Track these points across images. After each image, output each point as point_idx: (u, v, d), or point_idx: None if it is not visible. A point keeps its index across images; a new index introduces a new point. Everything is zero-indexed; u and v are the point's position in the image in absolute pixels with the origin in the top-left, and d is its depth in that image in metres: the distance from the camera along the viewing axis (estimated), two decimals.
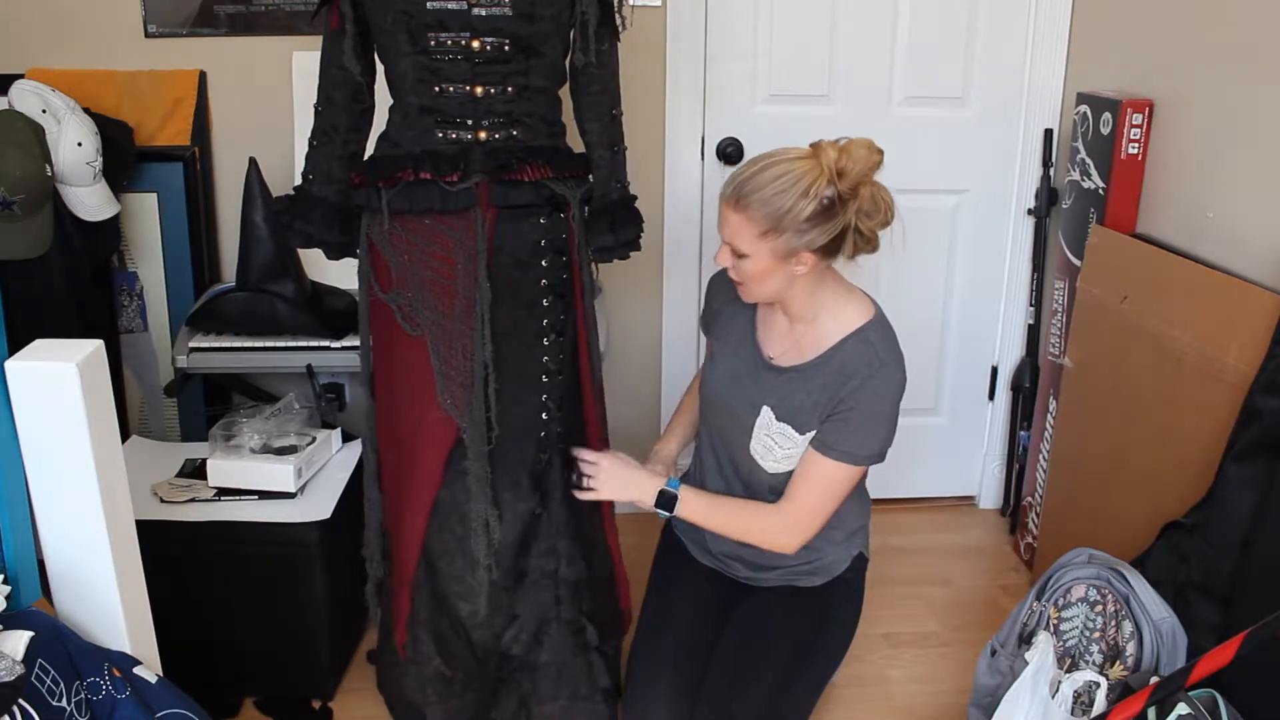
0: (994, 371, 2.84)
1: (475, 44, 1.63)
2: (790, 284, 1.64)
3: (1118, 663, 1.69)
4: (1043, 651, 1.66)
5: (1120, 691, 1.62)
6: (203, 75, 2.50)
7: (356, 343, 2.08)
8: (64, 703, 1.30)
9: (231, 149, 2.54)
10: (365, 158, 1.79)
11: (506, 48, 1.64)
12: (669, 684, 1.72)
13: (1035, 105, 2.60)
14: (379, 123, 1.78)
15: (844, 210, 1.56)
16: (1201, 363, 1.87)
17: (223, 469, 2.03)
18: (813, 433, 1.69)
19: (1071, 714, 1.65)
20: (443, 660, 1.80)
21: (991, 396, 2.86)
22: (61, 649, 1.34)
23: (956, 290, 2.77)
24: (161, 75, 2.48)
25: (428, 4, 1.60)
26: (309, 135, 1.77)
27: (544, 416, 1.77)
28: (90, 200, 2.24)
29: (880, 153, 1.57)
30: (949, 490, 2.96)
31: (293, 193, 1.81)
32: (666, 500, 1.72)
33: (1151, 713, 1.49)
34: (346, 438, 2.26)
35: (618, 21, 1.76)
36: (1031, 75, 2.59)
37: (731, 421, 1.78)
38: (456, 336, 1.71)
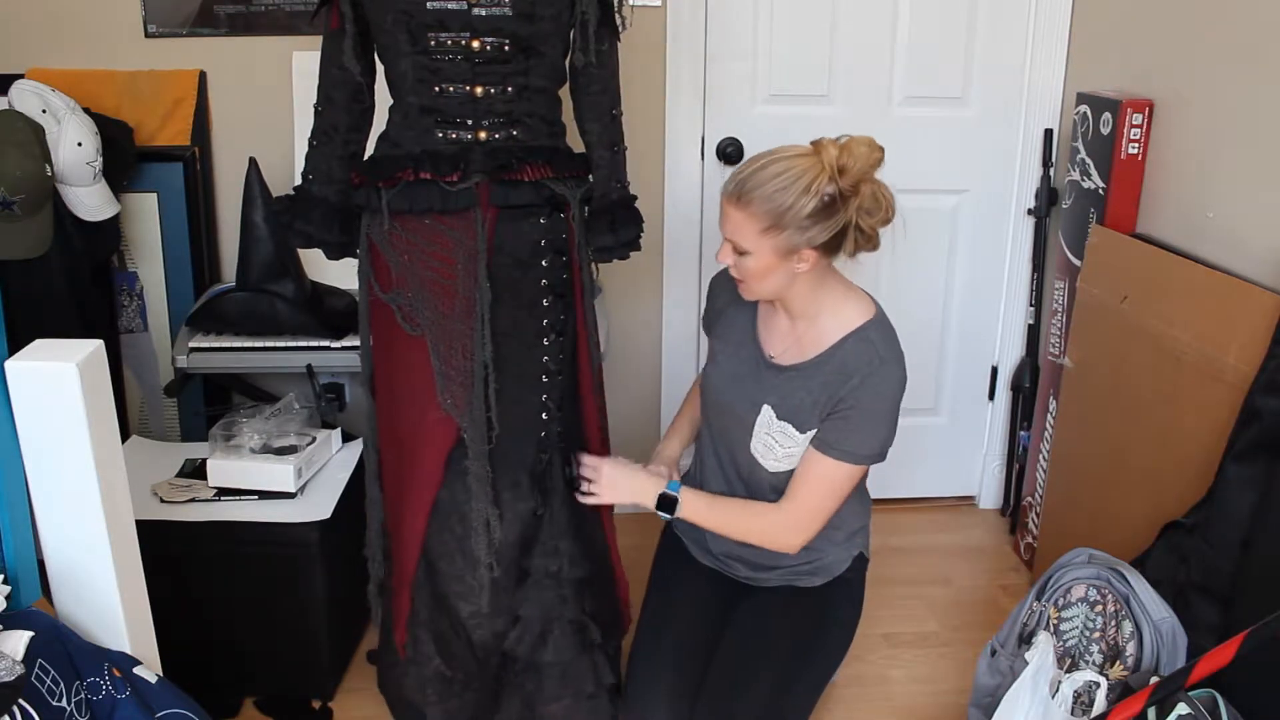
0: (994, 371, 2.84)
1: (475, 44, 1.63)
2: (791, 282, 1.64)
3: (1118, 663, 1.69)
4: (1043, 651, 1.66)
5: (1120, 691, 1.62)
6: (203, 75, 2.50)
7: (356, 343, 2.09)
8: (64, 703, 1.30)
9: (231, 149, 2.54)
10: (365, 158, 1.79)
11: (506, 48, 1.64)
12: (669, 684, 1.72)
13: (1035, 105, 2.60)
14: (379, 123, 1.78)
15: (845, 207, 1.57)
16: (1201, 363, 1.87)
17: (223, 469, 2.03)
18: (813, 431, 1.69)
19: (1071, 714, 1.65)
20: (443, 660, 1.80)
21: (991, 396, 2.86)
22: (61, 649, 1.34)
23: (956, 290, 2.77)
24: (161, 75, 2.48)
25: (428, 4, 1.60)
26: (309, 135, 1.77)
27: (544, 416, 1.77)
28: (90, 200, 2.24)
29: (881, 150, 1.58)
30: (949, 490, 2.96)
31: (293, 193, 1.81)
32: (668, 503, 1.73)
33: (1151, 713, 1.49)
34: (346, 438, 2.26)
35: (618, 21, 1.76)
36: (1031, 75, 2.59)
37: (732, 420, 1.78)
38: (456, 336, 1.71)
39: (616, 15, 1.75)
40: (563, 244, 1.77)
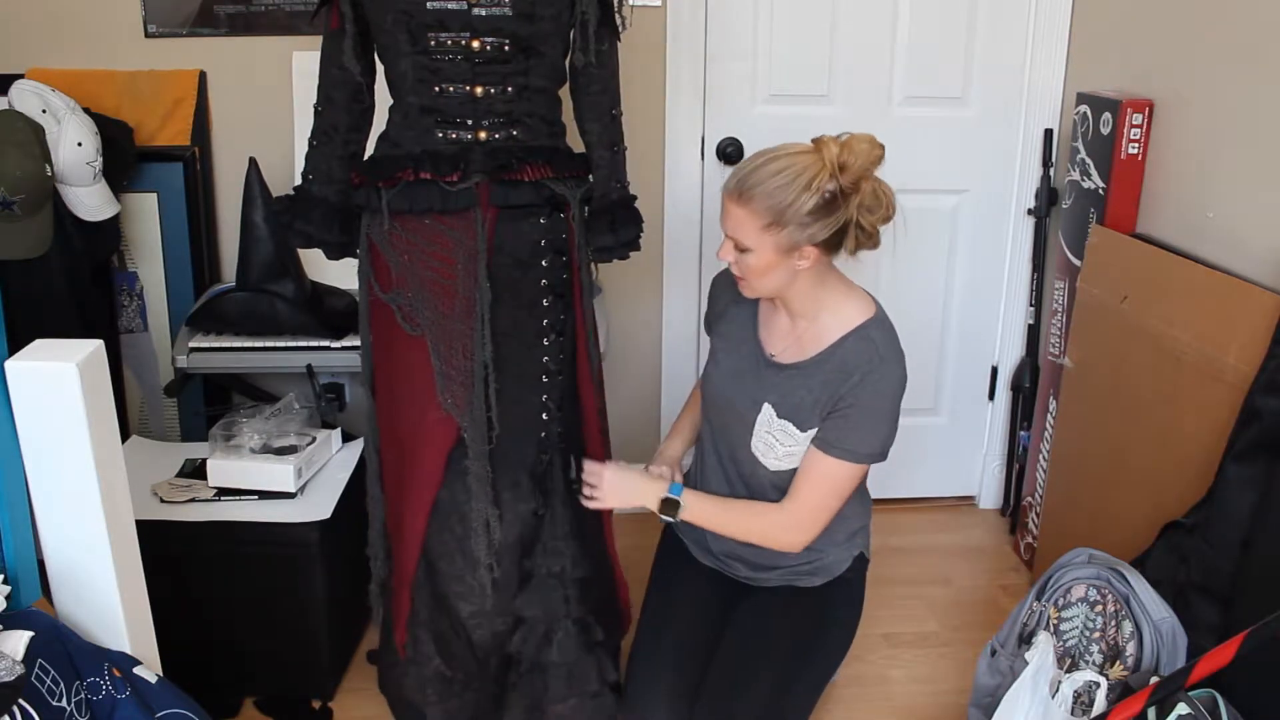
0: (994, 371, 2.84)
1: (475, 44, 1.63)
2: (792, 279, 1.64)
3: (1118, 663, 1.69)
4: (1043, 651, 1.66)
5: (1120, 691, 1.62)
6: (203, 75, 2.50)
7: (356, 343, 2.08)
8: (64, 703, 1.30)
9: (231, 149, 2.54)
10: (365, 158, 1.79)
11: (506, 48, 1.64)
12: (669, 684, 1.72)
13: (1035, 105, 2.60)
14: (379, 123, 1.78)
15: (846, 204, 1.58)
16: (1201, 363, 1.87)
17: (223, 469, 2.03)
18: (814, 430, 1.69)
19: (1071, 714, 1.65)
20: (443, 660, 1.80)
21: (991, 396, 2.86)
22: (61, 649, 1.34)
23: (956, 290, 2.77)
24: (161, 75, 2.48)
25: (428, 4, 1.60)
26: (309, 135, 1.77)
27: (544, 416, 1.77)
28: (90, 200, 2.24)
29: (881, 148, 1.59)
30: (949, 490, 2.96)
31: (293, 193, 1.81)
32: (670, 506, 1.73)
33: (1151, 713, 1.49)
34: (346, 438, 2.26)
35: (618, 21, 1.76)
36: (1031, 75, 2.59)
37: (733, 418, 1.78)
38: (456, 336, 1.71)
39: (616, 15, 1.76)
40: (563, 244, 1.77)
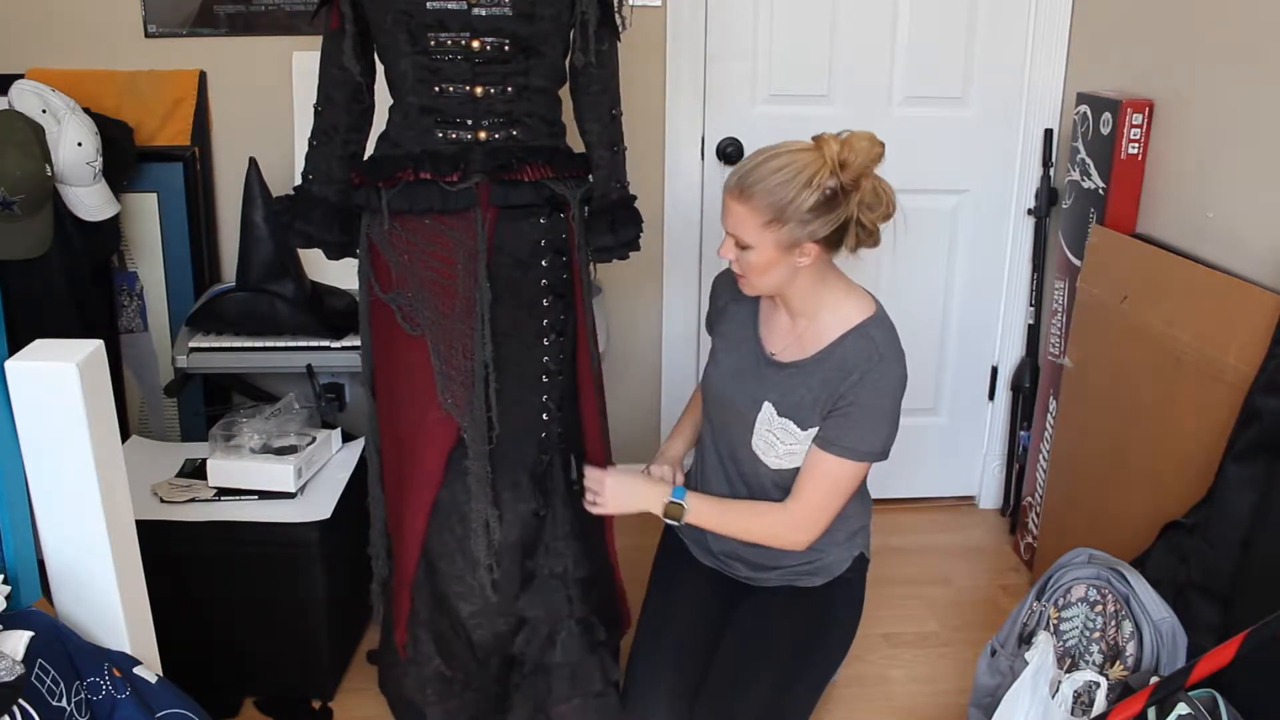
0: (994, 371, 2.84)
1: (475, 44, 1.63)
2: (793, 277, 1.65)
3: (1118, 663, 1.69)
4: (1043, 651, 1.66)
5: (1120, 691, 1.62)
6: (203, 75, 2.50)
7: (356, 343, 2.09)
8: (64, 703, 1.30)
9: (231, 149, 2.54)
10: (365, 158, 1.79)
11: (506, 48, 1.64)
12: (669, 684, 1.72)
13: (1035, 105, 2.60)
14: (379, 123, 1.78)
15: (846, 202, 1.58)
16: (1201, 363, 1.87)
17: (223, 469, 2.03)
18: (814, 429, 1.69)
19: (1071, 714, 1.65)
20: (443, 660, 1.80)
21: (991, 396, 2.86)
22: (61, 649, 1.34)
23: (956, 290, 2.77)
24: (161, 75, 2.48)
25: (428, 4, 1.60)
26: (309, 135, 1.77)
27: (544, 417, 1.77)
28: (90, 200, 2.24)
29: (881, 145, 1.60)
30: (949, 490, 2.96)
31: (293, 193, 1.81)
32: (675, 510, 1.73)
33: (1151, 713, 1.49)
34: (346, 438, 2.26)
35: (618, 21, 1.76)
36: (1031, 75, 2.59)
37: (733, 417, 1.78)
38: (457, 336, 1.71)
39: (616, 15, 1.76)
40: (563, 244, 1.77)
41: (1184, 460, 1.88)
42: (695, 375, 2.76)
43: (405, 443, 1.78)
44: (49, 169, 2.08)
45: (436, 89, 1.65)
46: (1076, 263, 2.37)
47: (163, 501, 2.01)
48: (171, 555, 1.87)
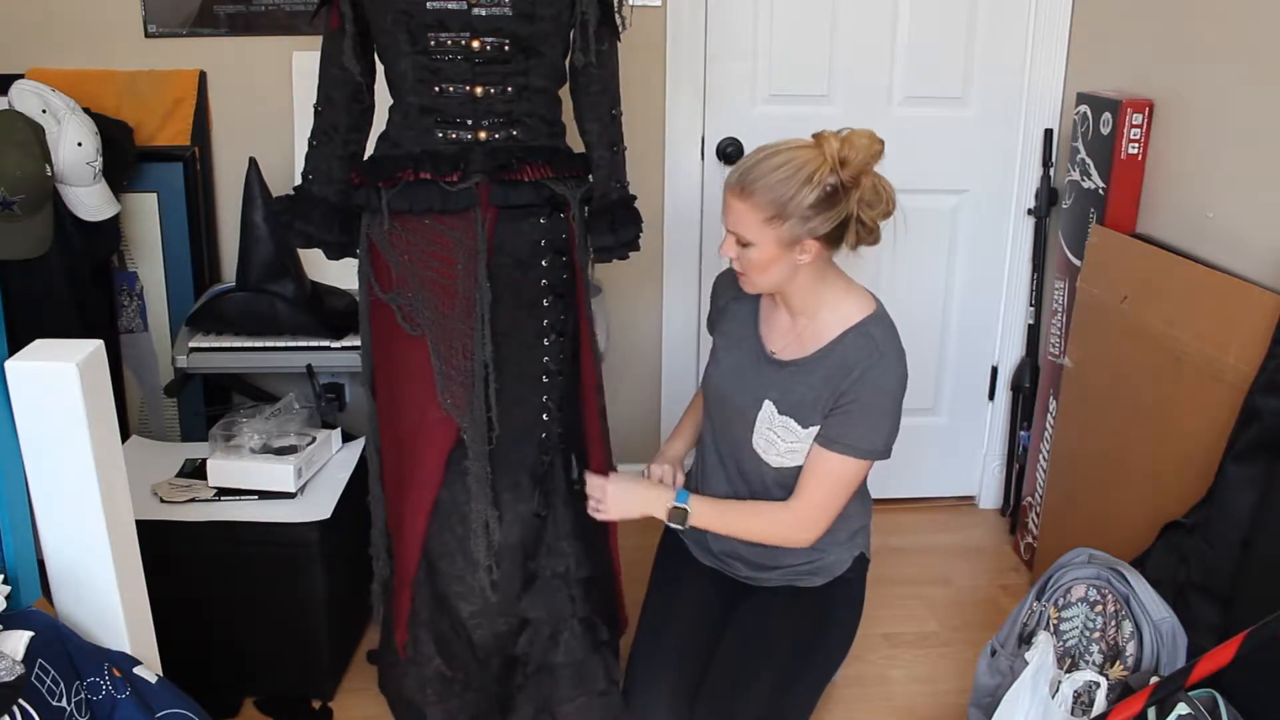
0: (994, 371, 2.84)
1: (475, 44, 1.63)
2: (793, 274, 1.65)
3: (1118, 663, 1.69)
4: (1043, 651, 1.66)
5: (1120, 691, 1.62)
6: (203, 75, 2.50)
7: (356, 343, 2.08)
8: (64, 703, 1.30)
9: (231, 149, 2.54)
10: (365, 158, 1.79)
11: (506, 48, 1.64)
12: (669, 684, 1.72)
13: (1035, 105, 2.60)
14: (379, 123, 1.78)
15: (847, 199, 1.59)
16: (1201, 363, 1.87)
17: (223, 469, 2.03)
18: (815, 427, 1.69)
19: (1071, 714, 1.65)
20: (443, 660, 1.80)
21: (991, 396, 2.86)
22: (61, 649, 1.34)
23: (956, 290, 2.77)
24: (161, 75, 2.48)
25: (428, 4, 1.60)
26: (309, 135, 1.77)
27: (544, 417, 1.77)
28: (90, 200, 2.24)
29: (881, 143, 1.60)
30: (949, 490, 2.96)
31: (293, 193, 1.81)
32: (679, 514, 1.73)
33: (1151, 713, 1.49)
34: (346, 438, 2.26)
35: (618, 21, 1.76)
36: (1031, 75, 2.59)
37: (734, 415, 1.79)
38: (457, 336, 1.71)
39: (616, 15, 1.76)
40: (563, 244, 1.77)
41: (1184, 460, 1.88)
42: (695, 375, 2.76)
43: (405, 443, 1.78)
44: (49, 169, 2.08)
45: (436, 89, 1.65)
46: (1076, 263, 2.37)
47: (163, 501, 2.01)
48: (171, 555, 1.87)
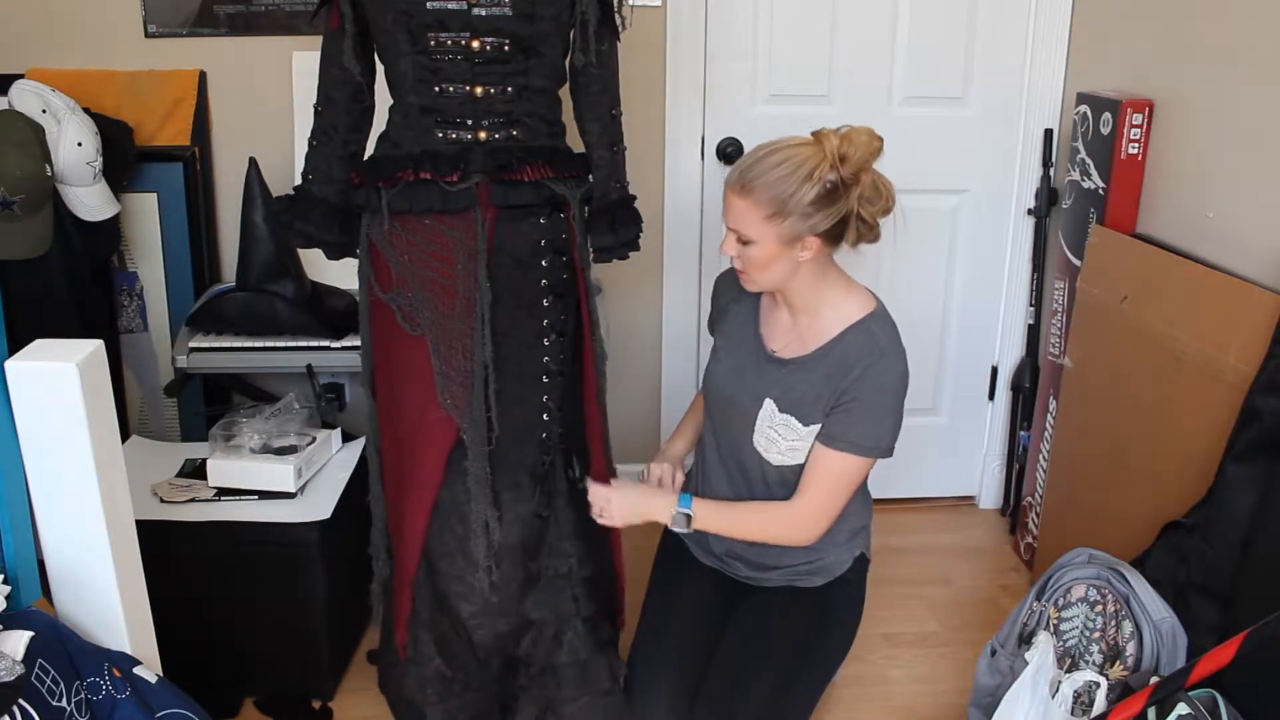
0: (994, 371, 2.84)
1: (475, 44, 1.63)
2: (794, 271, 1.65)
3: (1118, 663, 1.69)
4: (1043, 651, 1.66)
5: (1120, 691, 1.62)
6: (203, 75, 2.50)
7: (356, 343, 2.08)
8: (64, 703, 1.30)
9: (231, 149, 2.54)
10: (365, 158, 1.79)
11: (506, 48, 1.64)
12: (669, 684, 1.72)
13: (1035, 105, 2.60)
14: (379, 123, 1.78)
15: (847, 195, 1.60)
16: (1201, 363, 1.87)
17: (223, 469, 2.03)
18: (816, 425, 1.69)
19: (1071, 714, 1.65)
20: (443, 660, 1.80)
21: (991, 396, 2.86)
22: (61, 649, 1.34)
23: (956, 290, 2.77)
24: (161, 75, 2.48)
25: (428, 4, 1.60)
26: (309, 135, 1.77)
27: (545, 417, 1.77)
28: (90, 200, 2.24)
29: (880, 140, 1.61)
30: (949, 490, 2.96)
31: (293, 193, 1.81)
32: (682, 519, 1.73)
33: (1151, 713, 1.49)
34: (346, 438, 2.26)
35: (618, 21, 1.76)
36: (1031, 75, 2.59)
37: (734, 414, 1.79)
38: (456, 336, 1.71)
39: (616, 15, 1.76)
40: (563, 244, 1.77)
41: (1184, 460, 1.88)
42: (695, 375, 2.76)
43: (405, 443, 1.78)
44: (49, 169, 2.08)
45: (436, 89, 1.65)
46: (1076, 263, 2.37)
47: (163, 501, 2.01)
48: (171, 555, 1.87)
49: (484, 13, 1.62)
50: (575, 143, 1.81)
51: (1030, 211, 2.67)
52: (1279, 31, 1.82)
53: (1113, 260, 2.21)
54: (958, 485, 2.95)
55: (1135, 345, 2.07)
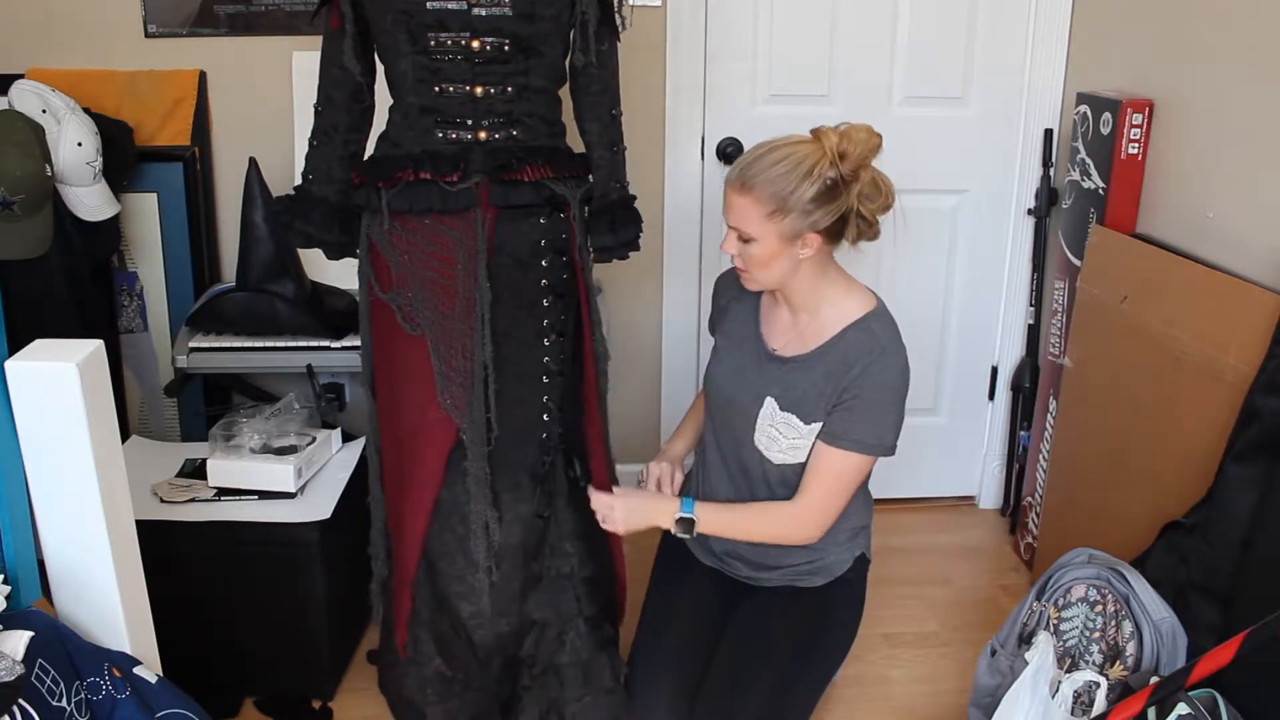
0: (994, 371, 2.84)
1: (475, 44, 1.63)
2: (795, 269, 1.65)
3: (1118, 663, 1.69)
4: (1043, 651, 1.66)
5: (1120, 691, 1.62)
6: (203, 75, 2.50)
7: (356, 343, 2.08)
8: (64, 703, 1.30)
9: (231, 149, 2.54)
10: (365, 158, 1.79)
11: (506, 48, 1.64)
12: (669, 684, 1.72)
13: (1035, 105, 2.60)
14: (379, 123, 1.78)
15: (846, 192, 1.60)
16: (1201, 363, 1.87)
17: (223, 469, 2.03)
18: (818, 423, 1.70)
19: (1071, 714, 1.65)
20: (443, 660, 1.80)
21: (991, 396, 2.86)
22: (61, 649, 1.34)
23: (956, 290, 2.77)
24: (161, 75, 2.48)
25: (428, 4, 1.60)
26: (309, 135, 1.77)
27: (545, 417, 1.77)
28: (90, 200, 2.24)
29: (879, 137, 1.62)
30: (949, 490, 2.96)
31: (293, 193, 1.81)
32: (685, 524, 1.73)
33: (1151, 713, 1.49)
34: (346, 438, 2.25)
35: (618, 21, 1.76)
36: (1031, 75, 2.59)
37: (735, 413, 1.79)
38: (456, 336, 1.71)
39: (616, 15, 1.76)
40: (563, 244, 1.77)
41: (1184, 460, 1.88)
42: (695, 375, 2.76)
43: (405, 443, 1.78)
44: (49, 169, 2.08)
45: (436, 89, 1.65)
46: (1076, 263, 2.37)
47: (163, 501, 2.01)
48: (171, 555, 1.87)
49: (484, 13, 1.62)
50: (575, 143, 1.81)
51: (1030, 211, 2.67)
52: (1279, 31, 1.82)
53: (1113, 260, 2.21)
54: (958, 485, 2.95)
55: (1135, 345, 2.07)
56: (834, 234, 1.64)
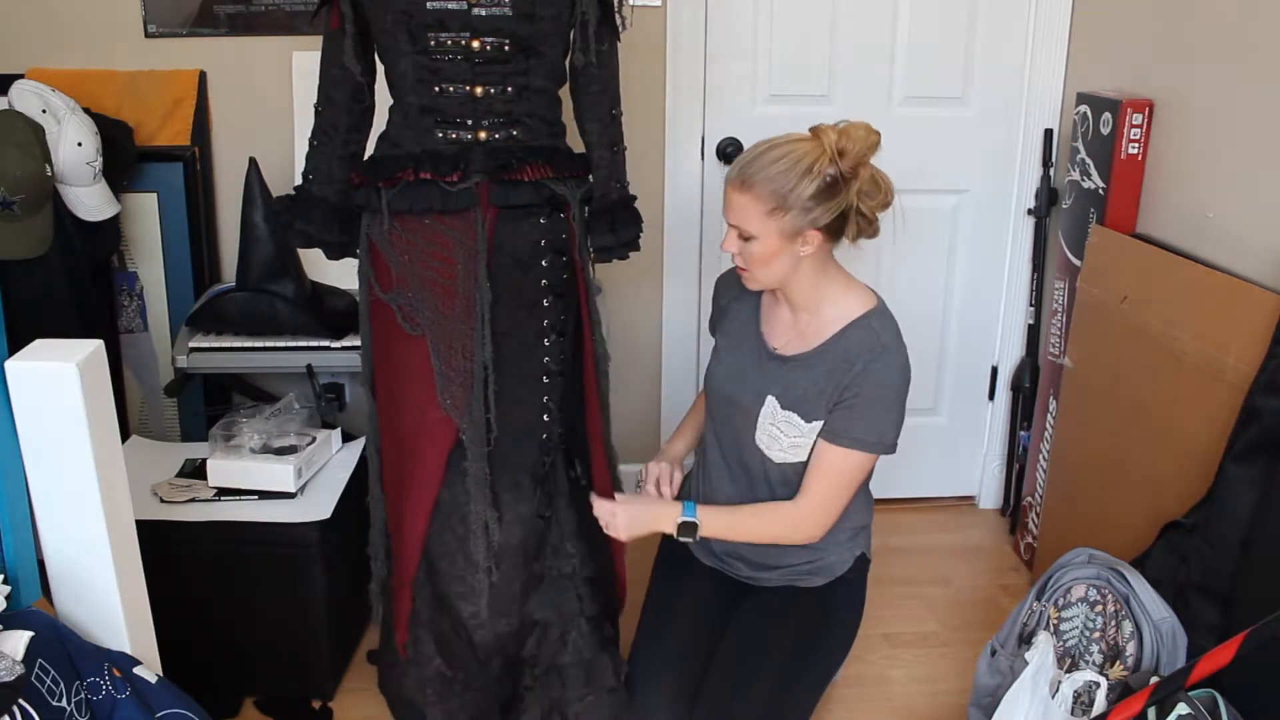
0: (994, 371, 2.84)
1: (475, 44, 1.63)
2: (795, 267, 1.66)
3: (1118, 663, 1.69)
4: (1043, 651, 1.66)
5: (1120, 691, 1.62)
6: (203, 75, 2.50)
7: (356, 343, 2.08)
8: (64, 703, 1.30)
9: (231, 149, 2.54)
10: (365, 158, 1.79)
11: (506, 48, 1.64)
12: (669, 684, 1.72)
13: (1035, 105, 2.60)
14: (379, 123, 1.78)
15: (846, 189, 1.61)
16: (1201, 363, 1.87)
17: (223, 469, 2.03)
18: (819, 421, 1.70)
19: (1071, 714, 1.65)
20: (443, 660, 1.80)
21: (991, 396, 2.86)
22: (61, 649, 1.34)
23: (956, 290, 2.77)
24: (161, 75, 2.48)
25: (428, 4, 1.60)
26: (309, 135, 1.77)
27: (545, 418, 1.77)
28: (90, 200, 2.24)
29: (877, 134, 1.63)
30: (949, 490, 2.96)
31: (293, 193, 1.81)
32: (688, 528, 1.73)
33: (1151, 713, 1.49)
34: (346, 438, 2.25)
35: (618, 21, 1.77)
36: (1031, 75, 2.59)
37: (736, 412, 1.79)
38: (456, 336, 1.71)
39: (616, 15, 1.76)
40: (563, 244, 1.77)
41: (1184, 460, 1.88)
42: (695, 375, 2.76)
43: (405, 443, 1.78)
44: (49, 169, 2.08)
45: (436, 89, 1.65)
46: (1076, 263, 2.37)
47: (163, 501, 2.01)
48: (171, 555, 1.87)
49: (484, 13, 1.62)
50: (575, 143, 1.81)
51: (1030, 211, 2.67)
52: (1279, 31, 1.82)
53: (1113, 260, 2.21)
54: (958, 485, 2.95)
55: (1135, 345, 2.07)
56: (834, 231, 1.65)
